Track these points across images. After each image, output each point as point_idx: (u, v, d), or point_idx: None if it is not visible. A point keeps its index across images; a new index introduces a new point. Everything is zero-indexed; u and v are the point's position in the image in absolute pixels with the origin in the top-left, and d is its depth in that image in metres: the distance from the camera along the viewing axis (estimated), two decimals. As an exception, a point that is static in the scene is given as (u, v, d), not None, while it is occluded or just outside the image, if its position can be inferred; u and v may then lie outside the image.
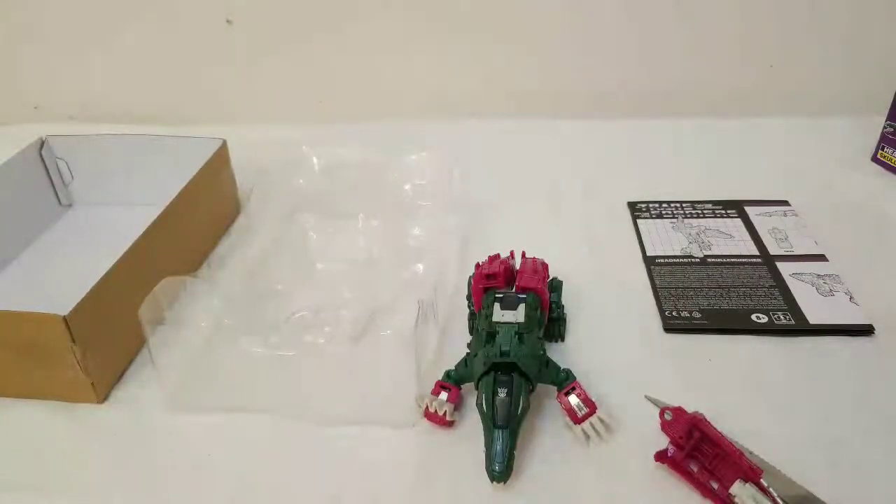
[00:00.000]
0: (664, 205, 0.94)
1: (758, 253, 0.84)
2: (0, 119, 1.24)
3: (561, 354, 0.70)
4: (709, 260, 0.83)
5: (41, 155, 0.94)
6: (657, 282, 0.80)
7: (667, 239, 0.87)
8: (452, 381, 0.64)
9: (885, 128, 1.00)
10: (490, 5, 1.12)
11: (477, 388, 0.62)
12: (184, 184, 0.81)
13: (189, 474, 0.62)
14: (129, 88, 1.23)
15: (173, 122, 1.08)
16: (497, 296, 0.68)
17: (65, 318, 0.62)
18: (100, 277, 0.67)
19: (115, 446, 0.65)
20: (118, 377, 0.71)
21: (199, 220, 0.86)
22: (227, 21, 1.16)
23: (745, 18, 1.10)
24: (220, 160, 0.89)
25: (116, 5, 1.16)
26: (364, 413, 0.64)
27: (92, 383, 0.67)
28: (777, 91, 1.15)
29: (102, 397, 0.69)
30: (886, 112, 0.99)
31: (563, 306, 0.73)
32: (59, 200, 0.97)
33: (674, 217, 0.92)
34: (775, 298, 0.77)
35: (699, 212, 0.92)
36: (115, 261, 0.69)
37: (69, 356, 0.65)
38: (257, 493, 0.60)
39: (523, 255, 0.75)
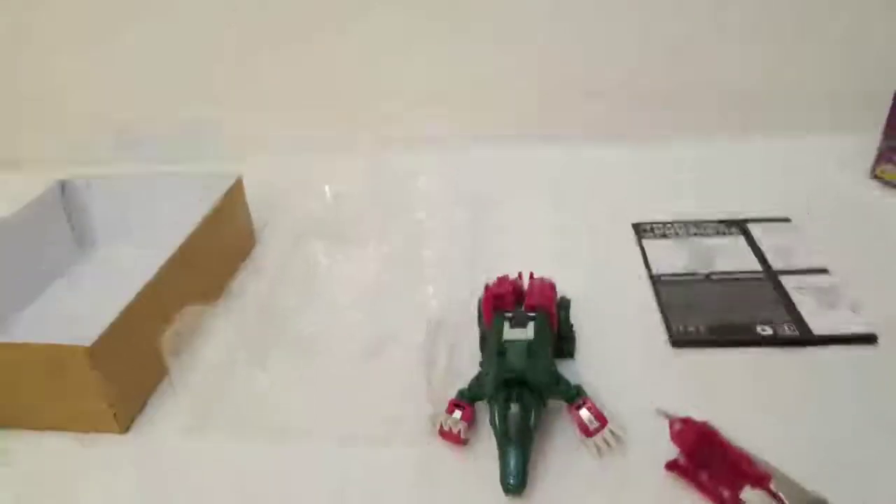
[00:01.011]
0: (668, 225, 0.96)
1: (761, 268, 0.86)
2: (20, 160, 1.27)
3: (571, 372, 0.72)
4: (713, 276, 0.85)
5: (61, 196, 0.97)
6: (663, 299, 0.82)
7: (671, 257, 0.89)
8: (466, 400, 0.66)
9: (881, 146, 1.02)
10: (493, 8, 1.16)
11: (489, 404, 0.63)
12: (200, 220, 0.84)
13: (211, 502, 0.63)
14: (142, 124, 1.26)
15: (186, 158, 1.11)
16: (507, 315, 0.70)
17: (88, 349, 0.65)
18: (121, 311, 0.69)
19: (138, 476, 0.67)
20: (140, 408, 0.73)
21: (217, 253, 0.89)
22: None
23: (744, 40, 1.13)
24: (235, 194, 0.92)
25: (124, 15, 1.20)
26: (377, 432, 0.66)
27: (114, 414, 0.69)
28: (776, 111, 1.17)
29: (125, 427, 0.71)
30: (882, 129, 1.01)
31: (571, 325, 0.75)
32: (77, 241, 1.00)
33: (678, 236, 0.94)
34: (779, 311, 0.78)
35: (702, 230, 0.94)
36: (135, 295, 0.71)
37: (92, 387, 0.67)
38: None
39: (531, 276, 0.77)
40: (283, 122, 1.23)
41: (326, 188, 0.96)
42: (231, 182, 0.92)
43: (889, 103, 1.00)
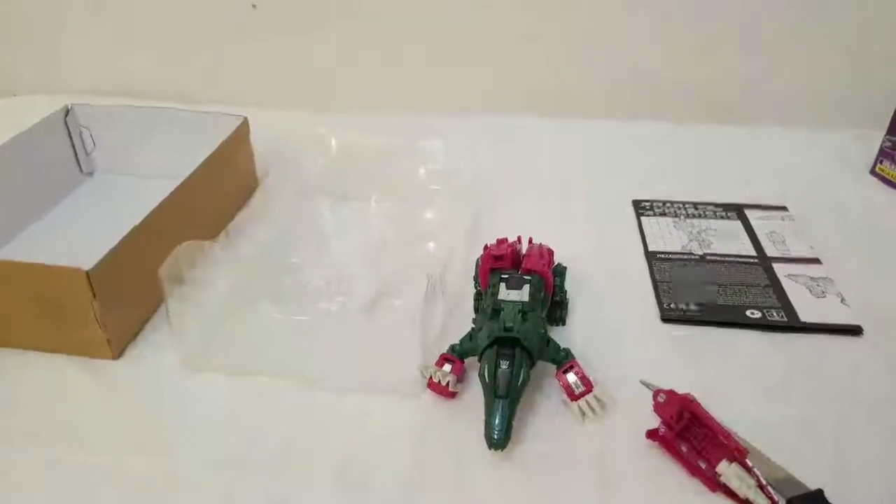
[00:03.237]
0: (667, 204, 0.97)
1: (755, 254, 0.87)
2: (24, 89, 1.27)
3: (561, 337, 0.72)
4: (708, 258, 0.86)
5: (66, 122, 0.97)
6: (657, 275, 0.83)
7: (668, 236, 0.90)
8: (457, 355, 0.67)
9: (884, 142, 1.03)
10: (506, 11, 1.16)
11: (480, 360, 0.65)
12: (203, 158, 0.84)
13: (198, 431, 0.65)
14: (150, 69, 1.26)
15: (194, 104, 1.10)
16: (503, 276, 0.71)
17: (87, 273, 0.65)
18: (122, 238, 0.70)
19: (128, 401, 0.68)
20: (134, 336, 0.74)
21: (219, 191, 0.89)
22: (252, 6, 1.19)
23: (752, 31, 1.13)
24: (240, 136, 0.92)
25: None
26: (371, 382, 0.67)
27: (108, 339, 0.70)
28: (781, 102, 1.18)
29: (117, 354, 0.72)
30: (886, 127, 1.02)
31: (565, 291, 0.76)
32: (80, 168, 1.00)
33: (676, 216, 0.94)
34: (769, 297, 0.79)
35: (701, 212, 0.95)
36: (135, 224, 0.72)
37: (89, 311, 0.68)
38: (266, 453, 0.62)
39: (530, 240, 0.78)
40: (290, 77, 1.24)
41: (333, 142, 0.96)
42: (238, 122, 0.92)
43: (895, 101, 1.01)
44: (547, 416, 0.65)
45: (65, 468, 0.61)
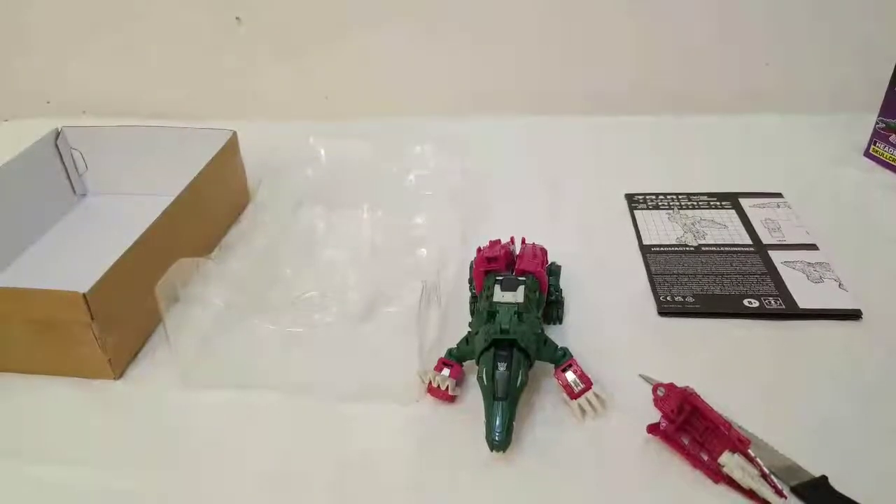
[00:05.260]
0: (660, 196, 0.97)
1: (751, 242, 0.87)
2: (14, 113, 1.27)
3: (559, 336, 0.73)
4: (703, 248, 0.86)
5: (57, 145, 0.97)
6: (652, 269, 0.83)
7: (662, 228, 0.90)
8: (454, 359, 0.67)
9: (877, 124, 1.03)
10: (494, 11, 1.16)
11: (478, 363, 0.64)
12: (195, 174, 0.84)
13: (200, 447, 0.65)
14: (139, 85, 1.26)
15: (183, 119, 1.11)
16: (497, 278, 0.71)
17: (84, 296, 0.65)
18: (117, 259, 0.70)
19: (131, 420, 0.68)
20: (133, 355, 0.74)
21: (211, 207, 0.89)
22: (237, 19, 1.19)
23: (740, 18, 1.13)
24: (230, 150, 0.92)
25: (128, 2, 1.19)
26: (369, 389, 0.67)
27: (109, 360, 0.70)
28: (772, 89, 1.18)
29: (118, 374, 0.72)
30: (878, 109, 1.02)
31: (561, 290, 0.76)
32: (73, 190, 1.00)
33: (669, 208, 0.94)
34: (767, 285, 0.79)
35: (694, 203, 0.95)
36: (130, 245, 0.72)
37: (88, 333, 0.68)
38: (266, 465, 0.62)
39: (523, 240, 0.78)
40: (279, 87, 1.24)
41: (322, 151, 0.96)
42: (227, 136, 0.92)
43: (886, 83, 1.00)
44: (547, 413, 0.66)
45: (72, 489, 0.61)
